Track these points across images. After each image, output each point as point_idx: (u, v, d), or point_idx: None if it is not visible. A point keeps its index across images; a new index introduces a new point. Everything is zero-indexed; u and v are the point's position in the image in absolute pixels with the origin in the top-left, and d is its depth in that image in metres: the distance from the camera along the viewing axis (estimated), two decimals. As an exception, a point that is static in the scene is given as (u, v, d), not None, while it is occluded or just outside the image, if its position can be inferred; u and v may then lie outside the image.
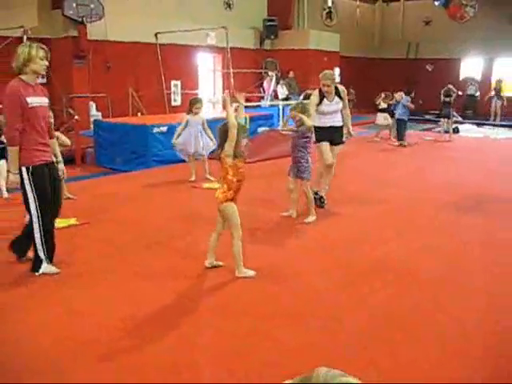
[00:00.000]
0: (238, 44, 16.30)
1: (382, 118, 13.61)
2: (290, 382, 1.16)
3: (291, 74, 18.11)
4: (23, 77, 4.32)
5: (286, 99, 16.31)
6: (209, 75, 17.85)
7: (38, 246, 4.45)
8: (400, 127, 12.88)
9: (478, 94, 20.49)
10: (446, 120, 14.51)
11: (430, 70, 22.56)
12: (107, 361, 3.17)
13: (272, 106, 15.12)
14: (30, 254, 4.61)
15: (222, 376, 3.03)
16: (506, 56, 21.98)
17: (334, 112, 6.80)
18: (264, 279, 4.38)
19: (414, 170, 9.81)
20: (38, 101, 4.36)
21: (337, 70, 19.69)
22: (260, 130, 12.07)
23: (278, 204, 6.62)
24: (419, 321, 3.72)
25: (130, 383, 2.94)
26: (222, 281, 4.36)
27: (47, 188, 4.43)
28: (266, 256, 4.95)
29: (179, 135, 8.29)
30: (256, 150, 10.43)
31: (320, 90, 6.73)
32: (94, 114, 12.94)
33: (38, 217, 4.37)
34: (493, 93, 18.88)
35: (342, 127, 6.93)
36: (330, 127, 6.76)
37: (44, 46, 4.40)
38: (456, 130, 15.50)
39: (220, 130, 4.35)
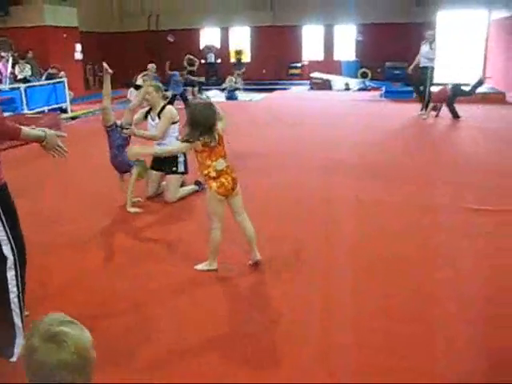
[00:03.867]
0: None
1: (135, 95, 13.68)
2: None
3: (30, 54, 17.07)
4: None
5: (27, 81, 15.40)
6: None
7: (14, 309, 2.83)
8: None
9: (218, 61, 21.64)
10: (192, 88, 15.20)
11: (171, 40, 23.10)
12: None
13: (13, 89, 14.16)
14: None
15: None
16: (239, 25, 23.58)
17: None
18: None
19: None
20: None
21: (78, 47, 19.17)
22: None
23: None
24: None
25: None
26: None
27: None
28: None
29: None
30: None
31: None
32: None
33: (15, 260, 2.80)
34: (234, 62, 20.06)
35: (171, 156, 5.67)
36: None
37: None
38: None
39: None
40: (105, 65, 5.53)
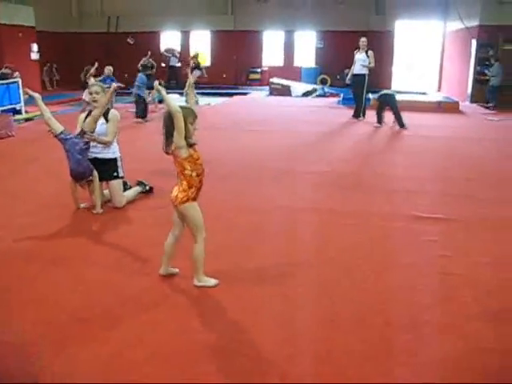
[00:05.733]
0: None
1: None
2: None
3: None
4: None
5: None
6: None
7: None
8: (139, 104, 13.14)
9: (178, 64, 21.52)
10: (149, 91, 15.05)
11: (131, 43, 22.92)
12: None
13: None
14: None
15: None
16: (200, 29, 23.55)
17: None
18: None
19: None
20: None
21: (34, 46, 18.82)
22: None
23: None
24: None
25: None
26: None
27: None
28: None
29: None
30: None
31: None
32: None
33: None
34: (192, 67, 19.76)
35: (111, 160, 5.72)
36: (95, 159, 5.62)
37: None
38: (159, 100, 16.24)
39: (164, 119, 3.62)
40: (26, 90, 5.70)
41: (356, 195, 6.33)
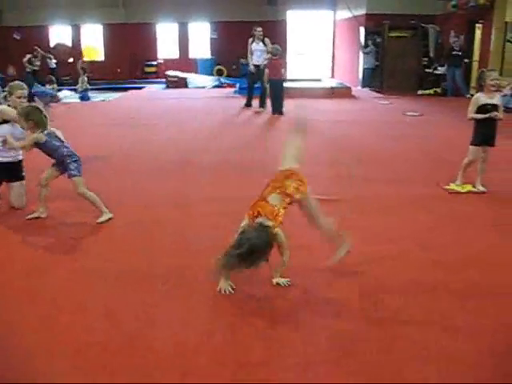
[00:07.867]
0: None
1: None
2: None
3: None
4: None
5: None
6: None
7: None
8: None
9: (71, 60, 20.79)
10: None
11: (18, 38, 21.83)
12: None
13: None
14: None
15: None
16: (91, 22, 22.85)
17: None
18: None
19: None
20: None
21: None
22: None
23: None
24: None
25: None
26: None
27: None
28: None
29: None
30: None
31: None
32: None
33: None
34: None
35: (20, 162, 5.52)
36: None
37: None
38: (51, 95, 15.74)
39: None
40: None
41: (254, 182, 6.36)
